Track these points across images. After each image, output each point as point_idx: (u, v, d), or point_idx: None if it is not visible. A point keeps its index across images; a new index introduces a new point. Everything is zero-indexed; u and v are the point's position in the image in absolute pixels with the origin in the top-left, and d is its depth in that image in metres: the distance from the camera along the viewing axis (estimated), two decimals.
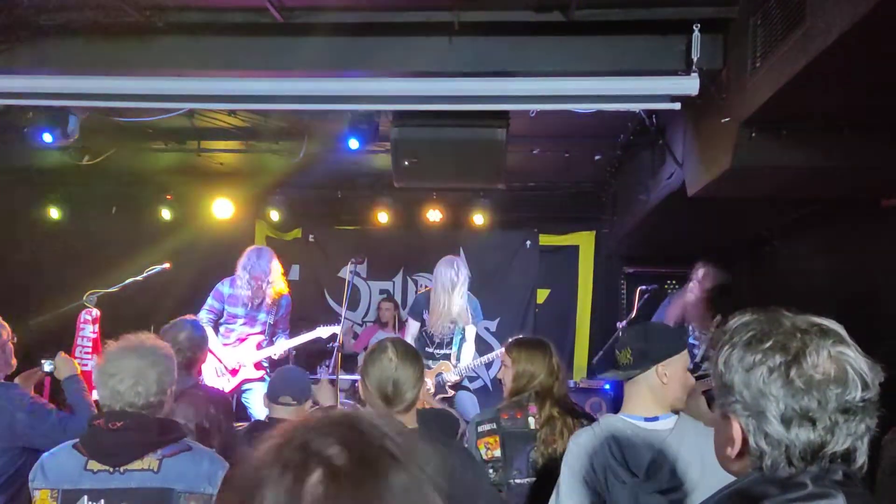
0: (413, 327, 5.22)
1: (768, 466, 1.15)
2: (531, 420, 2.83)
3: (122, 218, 7.32)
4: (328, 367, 5.83)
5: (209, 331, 5.12)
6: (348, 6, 3.54)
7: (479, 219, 7.26)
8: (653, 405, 2.25)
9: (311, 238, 7.88)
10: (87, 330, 4.53)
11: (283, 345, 5.35)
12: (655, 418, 2.23)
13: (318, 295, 7.77)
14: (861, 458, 1.13)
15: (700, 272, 5.18)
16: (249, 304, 5.22)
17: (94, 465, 2.07)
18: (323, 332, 5.44)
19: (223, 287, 5.26)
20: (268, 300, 5.24)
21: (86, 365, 4.39)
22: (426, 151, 4.44)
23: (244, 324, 5.25)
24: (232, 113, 5.27)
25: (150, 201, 7.33)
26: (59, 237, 7.14)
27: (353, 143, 5.15)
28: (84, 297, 4.64)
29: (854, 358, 1.14)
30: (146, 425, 2.13)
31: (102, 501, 2.05)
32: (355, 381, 4.82)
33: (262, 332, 5.28)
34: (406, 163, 4.47)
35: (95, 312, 4.61)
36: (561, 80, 3.68)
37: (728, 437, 1.21)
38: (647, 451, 2.15)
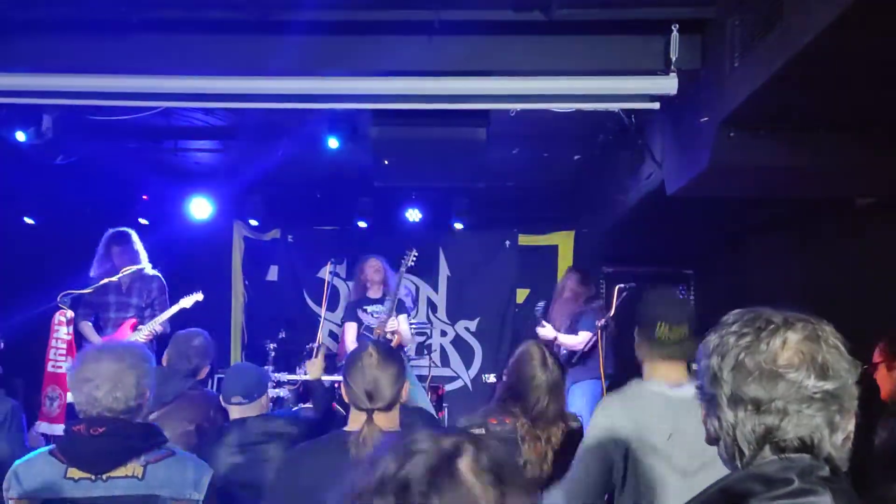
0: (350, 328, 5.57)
1: (723, 452, 1.17)
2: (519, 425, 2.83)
3: (96, 218, 7.20)
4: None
5: (91, 330, 5.15)
6: (326, 4, 3.51)
7: (458, 219, 7.26)
8: (679, 373, 2.30)
9: (289, 239, 7.83)
10: (62, 332, 4.45)
11: (152, 323, 5.20)
12: (681, 385, 2.25)
13: (297, 296, 7.71)
14: (825, 450, 1.11)
15: (575, 278, 5.77)
16: (116, 290, 5.22)
17: (74, 472, 2.00)
18: (185, 302, 5.31)
19: (91, 280, 5.22)
20: (128, 280, 5.23)
21: (60, 367, 4.32)
22: (406, 151, 4.42)
23: (117, 310, 5.25)
24: (208, 112, 5.22)
25: (125, 201, 7.23)
26: (32, 237, 7.02)
27: (333, 143, 5.12)
28: (58, 299, 4.56)
29: (819, 349, 1.13)
30: (128, 431, 2.06)
31: None
32: (334, 382, 4.82)
33: (135, 316, 5.25)
34: (386, 162, 4.46)
35: (70, 314, 4.54)
36: (541, 80, 3.69)
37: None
38: (677, 417, 2.17)
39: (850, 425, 1.13)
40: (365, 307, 5.68)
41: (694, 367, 2.32)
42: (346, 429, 2.16)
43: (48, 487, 1.99)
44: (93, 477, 2.00)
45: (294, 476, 2.09)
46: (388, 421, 2.13)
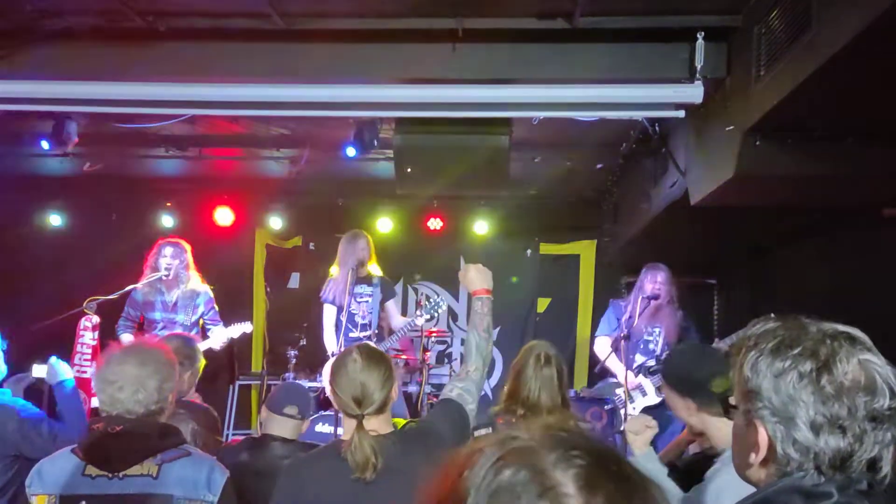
0: (329, 311, 5.50)
1: (793, 471, 1.13)
2: None
3: (122, 225, 7.29)
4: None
5: (129, 338, 4.99)
6: (351, 13, 3.53)
7: (479, 227, 7.26)
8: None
9: (311, 246, 7.84)
10: (87, 337, 4.50)
11: None
12: None
13: (319, 304, 7.72)
14: (886, 468, 1.11)
15: (661, 276, 5.43)
16: (164, 307, 5.10)
17: (92, 470, 2.03)
18: (234, 331, 5.19)
19: (136, 293, 5.11)
20: (180, 297, 5.11)
21: (84, 372, 4.37)
22: (429, 158, 4.43)
23: (163, 328, 5.06)
24: (233, 120, 5.27)
25: (150, 208, 7.31)
26: (59, 244, 7.12)
27: (350, 151, 5.15)
28: (84, 304, 4.62)
29: (881, 366, 1.12)
30: (146, 429, 2.09)
31: None
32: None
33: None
34: (409, 170, 4.47)
35: (95, 319, 4.60)
36: (564, 88, 3.68)
37: (752, 444, 1.18)
38: None
39: None
40: (353, 290, 5.45)
41: None
42: (340, 437, 2.15)
43: (66, 484, 2.01)
44: (109, 474, 2.02)
45: (299, 487, 2.08)
46: (379, 424, 2.09)
